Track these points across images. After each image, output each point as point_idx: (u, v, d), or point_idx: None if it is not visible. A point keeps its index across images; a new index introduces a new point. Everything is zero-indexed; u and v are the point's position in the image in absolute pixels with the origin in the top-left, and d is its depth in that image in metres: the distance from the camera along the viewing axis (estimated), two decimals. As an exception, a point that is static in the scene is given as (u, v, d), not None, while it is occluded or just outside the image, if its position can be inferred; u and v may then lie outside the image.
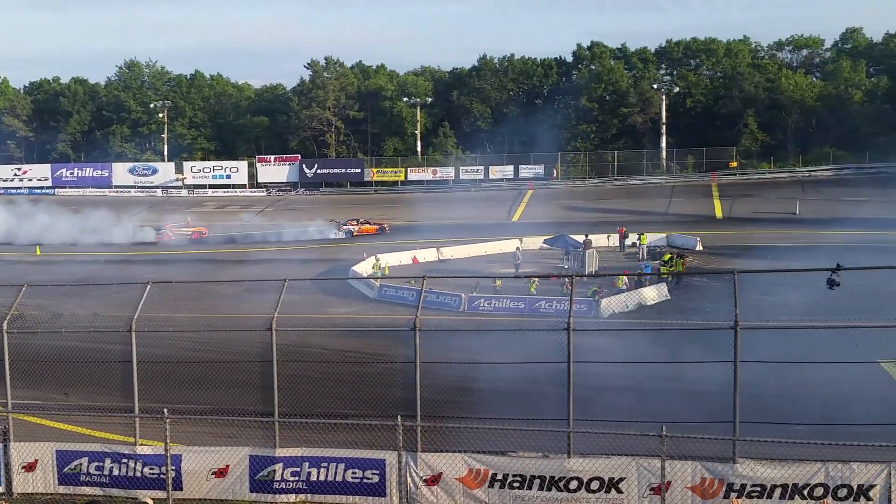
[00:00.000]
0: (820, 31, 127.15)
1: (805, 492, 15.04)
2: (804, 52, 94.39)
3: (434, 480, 16.48)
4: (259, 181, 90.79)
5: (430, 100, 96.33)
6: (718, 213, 67.02)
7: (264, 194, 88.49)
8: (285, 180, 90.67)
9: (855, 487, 14.87)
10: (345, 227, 64.32)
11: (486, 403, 21.62)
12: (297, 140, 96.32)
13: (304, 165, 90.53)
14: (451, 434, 17.95)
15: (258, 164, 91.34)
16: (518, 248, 49.00)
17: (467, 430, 17.88)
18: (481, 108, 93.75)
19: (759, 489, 15.22)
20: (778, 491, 15.15)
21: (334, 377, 24.58)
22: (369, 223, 65.44)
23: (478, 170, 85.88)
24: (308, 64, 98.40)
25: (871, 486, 14.80)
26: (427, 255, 52.49)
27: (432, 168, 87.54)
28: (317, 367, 24.49)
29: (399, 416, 15.73)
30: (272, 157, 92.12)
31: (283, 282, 18.00)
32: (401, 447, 15.62)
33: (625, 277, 39.58)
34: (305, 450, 17.11)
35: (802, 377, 22.03)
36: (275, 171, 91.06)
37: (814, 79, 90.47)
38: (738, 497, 15.28)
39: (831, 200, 65.52)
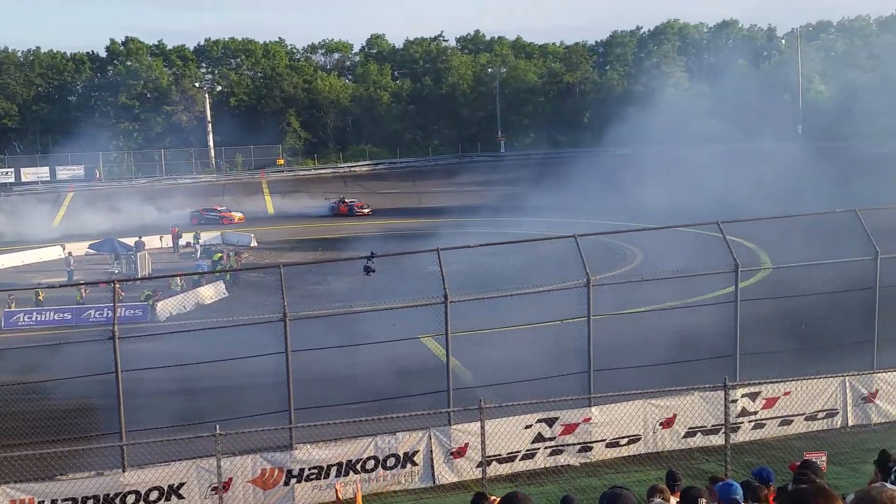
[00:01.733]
0: (348, 36, 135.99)
1: (358, 466, 16.10)
2: (336, 55, 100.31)
3: (-31, 521, 14.69)
4: None
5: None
6: (270, 210, 68.67)
7: None
8: None
9: (402, 455, 16.24)
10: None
11: (31, 427, 19.73)
12: None
13: None
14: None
15: None
16: (70, 255, 45.29)
17: (6, 459, 16.20)
18: (6, 104, 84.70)
19: (316, 471, 15.94)
20: (334, 469, 16.01)
21: None
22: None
23: (7, 172, 77.50)
24: None
25: (416, 452, 16.29)
26: (-52, 269, 46.27)
27: (-49, 172, 77.20)
28: None
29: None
30: None
31: None
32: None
33: (179, 278, 38.75)
34: None
35: (355, 359, 23.47)
36: None
37: (346, 81, 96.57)
38: (297, 482, 15.88)
39: (371, 193, 70.73)
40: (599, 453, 16.53)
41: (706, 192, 52.71)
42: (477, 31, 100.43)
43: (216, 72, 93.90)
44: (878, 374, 17.37)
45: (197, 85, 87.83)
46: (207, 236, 53.14)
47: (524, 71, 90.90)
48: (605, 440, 16.54)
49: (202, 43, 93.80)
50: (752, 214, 32.50)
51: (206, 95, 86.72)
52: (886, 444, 15.15)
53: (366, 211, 64.39)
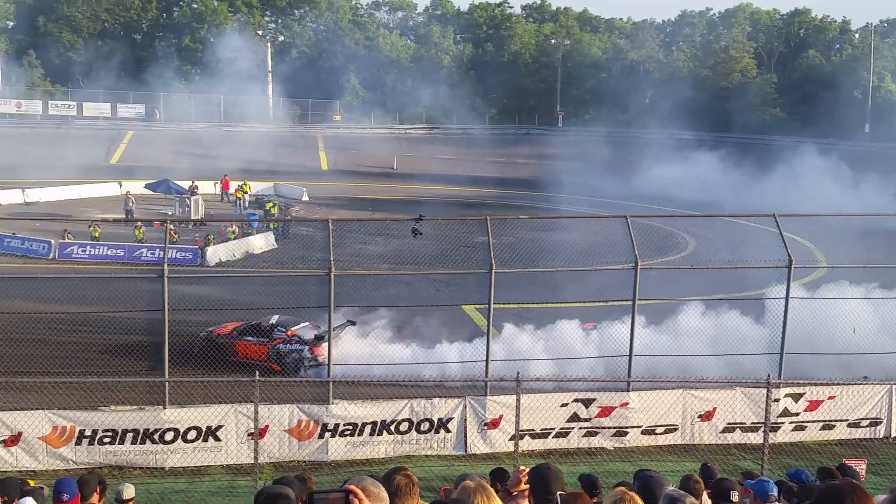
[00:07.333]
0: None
1: (392, 427, 16.23)
2: (399, 14, 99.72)
3: (13, 441, 15.13)
4: None
5: (11, 24, 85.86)
6: (324, 165, 68.87)
7: None
8: None
9: (436, 421, 16.33)
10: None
11: (75, 357, 20.22)
12: None
13: None
14: (34, 391, 16.61)
15: None
16: (129, 193, 45.94)
17: (52, 385, 16.67)
18: (72, 37, 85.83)
19: (351, 427, 16.11)
20: (368, 428, 16.16)
21: None
22: None
23: (70, 105, 78.67)
24: None
25: (450, 419, 16.37)
26: (10, 196, 47.29)
27: (15, 100, 78.46)
28: None
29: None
30: None
31: None
32: (-34, 406, 14.04)
33: (235, 226, 39.18)
34: None
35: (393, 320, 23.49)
36: None
37: (408, 41, 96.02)
38: (332, 436, 16.06)
39: (424, 157, 70.57)
40: (634, 439, 16.44)
41: (766, 186, 51.82)
42: (543, 0, 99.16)
43: (279, 21, 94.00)
44: (929, 386, 16.97)
45: (260, 33, 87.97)
46: (259, 186, 53.54)
47: (588, 45, 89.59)
48: (641, 427, 16.44)
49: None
50: (811, 211, 31.88)
51: (269, 45, 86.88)
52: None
53: None
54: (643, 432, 16.45)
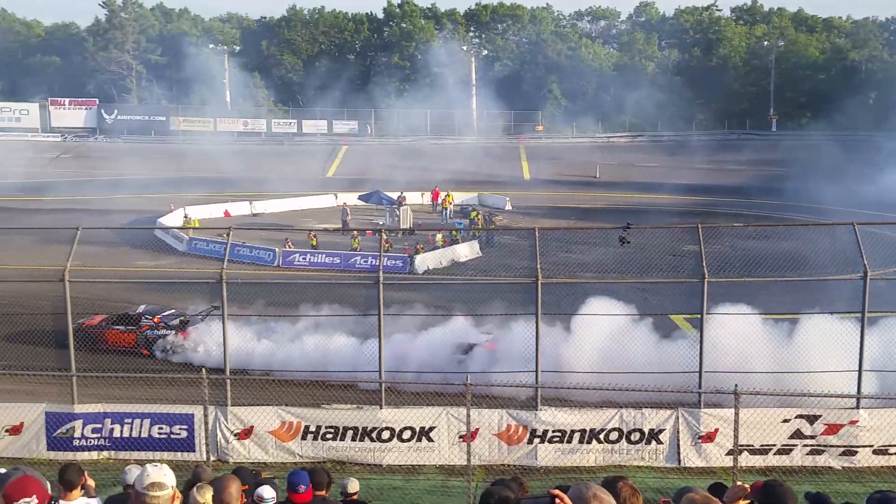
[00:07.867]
0: (616, 4, 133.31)
1: (601, 436, 16.03)
2: (602, 23, 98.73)
3: (246, 434, 16.30)
4: (53, 125, 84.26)
5: (238, 48, 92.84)
6: (526, 175, 69.26)
7: (59, 139, 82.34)
8: (82, 125, 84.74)
9: (647, 431, 15.97)
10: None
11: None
12: (95, 83, 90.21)
13: (102, 110, 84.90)
14: (264, 387, 17.85)
15: (51, 108, 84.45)
16: (345, 204, 48.67)
17: (279, 382, 17.85)
18: (292, 59, 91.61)
19: (559, 434, 16.08)
20: (577, 436, 16.06)
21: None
22: None
23: (290, 123, 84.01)
24: (103, 2, 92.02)
25: (662, 430, 15.96)
26: (240, 208, 51.15)
27: (243, 119, 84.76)
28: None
29: (204, 369, 15.38)
30: (67, 100, 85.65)
31: (77, 230, 17.00)
32: (206, 401, 15.24)
33: (441, 235, 40.38)
34: (107, 405, 16.42)
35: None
36: (70, 115, 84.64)
37: (611, 49, 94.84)
38: (541, 442, 16.10)
39: (627, 165, 69.37)
40: (865, 459, 15.34)
41: None
42: (754, 1, 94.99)
43: (483, 36, 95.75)
44: None
45: (465, 48, 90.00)
46: (463, 196, 54.69)
47: (804, 45, 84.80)
48: (873, 446, 15.32)
49: (472, 7, 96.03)
50: None
51: (473, 59, 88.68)
52: None
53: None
54: (875, 452, 15.33)
